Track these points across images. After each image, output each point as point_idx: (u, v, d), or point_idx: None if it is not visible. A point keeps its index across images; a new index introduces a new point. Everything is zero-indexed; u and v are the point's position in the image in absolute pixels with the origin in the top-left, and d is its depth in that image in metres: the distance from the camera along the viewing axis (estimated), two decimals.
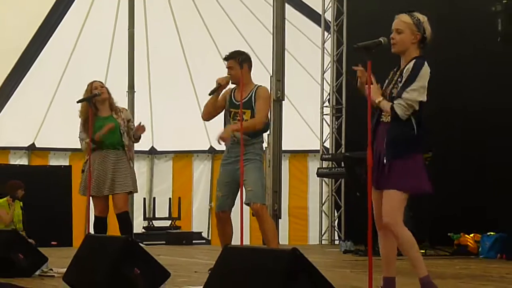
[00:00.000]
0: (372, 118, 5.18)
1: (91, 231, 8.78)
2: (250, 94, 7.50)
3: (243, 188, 7.32)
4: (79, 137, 8.64)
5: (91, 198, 8.51)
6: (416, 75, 5.09)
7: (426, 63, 5.17)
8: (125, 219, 8.56)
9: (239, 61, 7.50)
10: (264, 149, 7.70)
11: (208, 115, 7.74)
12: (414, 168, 5.11)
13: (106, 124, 8.52)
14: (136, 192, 8.91)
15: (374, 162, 5.13)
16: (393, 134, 5.13)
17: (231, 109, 7.55)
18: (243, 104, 7.40)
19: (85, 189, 8.50)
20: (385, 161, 5.10)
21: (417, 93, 5.06)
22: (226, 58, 7.61)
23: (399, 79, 5.18)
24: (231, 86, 7.68)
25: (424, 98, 5.10)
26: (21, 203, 11.95)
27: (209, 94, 7.63)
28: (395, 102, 5.06)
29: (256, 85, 7.61)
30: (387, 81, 5.30)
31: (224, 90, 7.63)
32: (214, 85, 7.58)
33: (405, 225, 5.30)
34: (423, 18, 5.26)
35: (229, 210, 7.51)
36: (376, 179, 5.17)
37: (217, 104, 7.63)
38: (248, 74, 7.61)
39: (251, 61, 7.68)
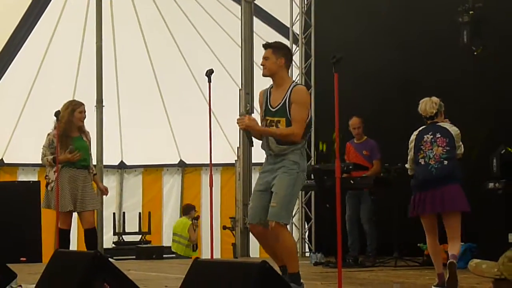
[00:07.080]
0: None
1: None
2: (285, 97, 6.48)
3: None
4: (43, 153, 8.94)
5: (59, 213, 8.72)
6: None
7: None
8: (94, 234, 9.03)
9: (276, 52, 6.60)
10: (304, 156, 6.57)
11: None
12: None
13: (78, 144, 8.83)
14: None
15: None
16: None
17: (266, 117, 6.57)
18: (277, 111, 6.48)
19: (49, 204, 8.82)
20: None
21: None
22: (264, 46, 6.72)
23: None
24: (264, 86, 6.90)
25: None
26: None
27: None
28: None
29: (292, 83, 6.59)
30: None
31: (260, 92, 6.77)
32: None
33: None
34: None
35: (261, 223, 6.30)
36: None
37: None
38: (284, 71, 6.66)
39: (290, 57, 6.76)
